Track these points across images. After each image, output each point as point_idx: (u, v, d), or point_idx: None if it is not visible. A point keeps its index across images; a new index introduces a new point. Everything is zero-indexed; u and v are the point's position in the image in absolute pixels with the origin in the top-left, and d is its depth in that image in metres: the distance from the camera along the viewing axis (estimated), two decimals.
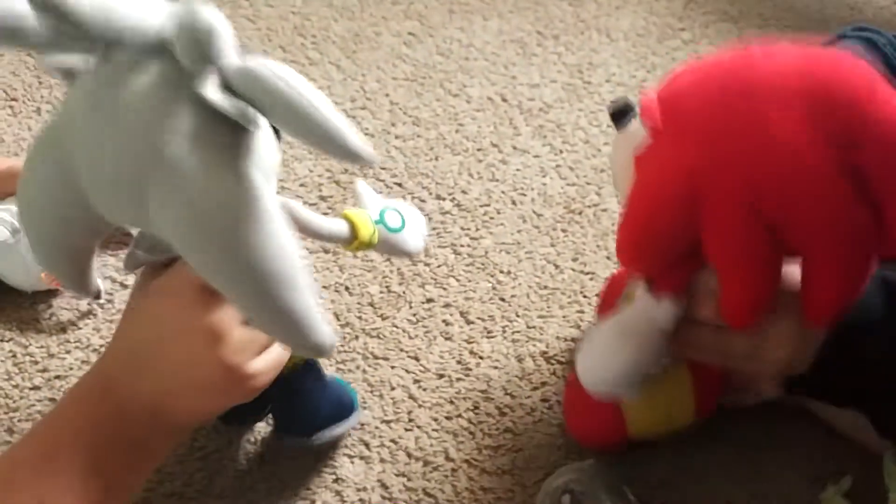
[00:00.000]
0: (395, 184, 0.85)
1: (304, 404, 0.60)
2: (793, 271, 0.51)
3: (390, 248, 0.56)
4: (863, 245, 0.48)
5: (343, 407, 0.62)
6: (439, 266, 0.77)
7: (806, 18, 1.11)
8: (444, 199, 0.83)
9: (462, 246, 0.79)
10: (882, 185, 0.46)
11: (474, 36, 1.03)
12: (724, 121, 0.48)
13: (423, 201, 0.83)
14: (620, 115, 0.55)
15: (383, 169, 0.86)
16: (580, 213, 0.83)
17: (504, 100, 0.95)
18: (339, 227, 0.53)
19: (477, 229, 0.81)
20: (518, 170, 0.87)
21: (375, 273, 0.76)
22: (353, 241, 0.53)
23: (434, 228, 0.80)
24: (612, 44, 1.04)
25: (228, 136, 0.43)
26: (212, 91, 0.42)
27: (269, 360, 0.51)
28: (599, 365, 0.55)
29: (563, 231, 0.81)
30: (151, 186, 0.43)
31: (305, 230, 0.50)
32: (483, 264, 0.77)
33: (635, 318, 0.55)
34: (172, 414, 0.49)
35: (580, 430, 0.64)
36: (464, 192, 0.84)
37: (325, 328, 0.46)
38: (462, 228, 0.81)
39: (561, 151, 0.89)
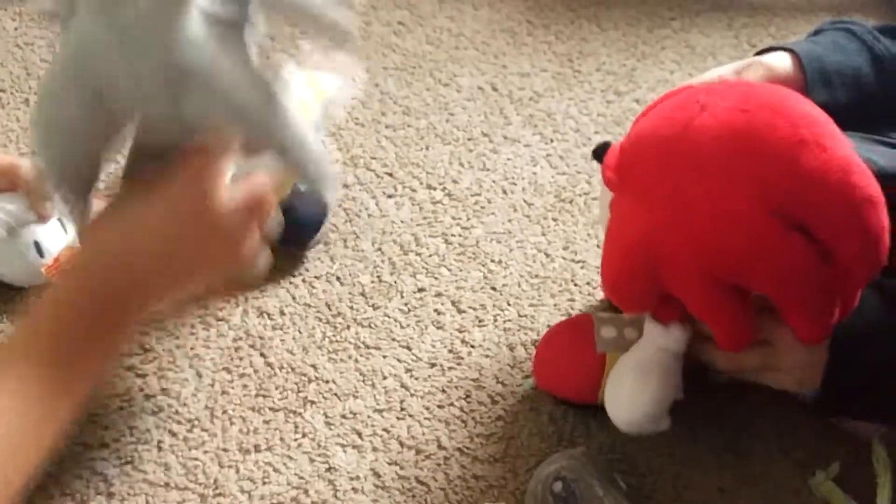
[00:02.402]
0: (386, 173, 0.84)
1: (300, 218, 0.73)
2: None
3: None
4: (822, 285, 0.49)
5: (324, 208, 0.75)
6: (430, 255, 0.77)
7: (794, 7, 1.11)
8: (434, 189, 0.83)
9: (453, 235, 0.79)
10: (823, 230, 0.47)
11: (464, 25, 1.03)
12: (669, 189, 0.50)
13: (413, 191, 0.83)
14: (602, 155, 0.57)
15: (373, 159, 0.86)
16: (571, 202, 0.83)
17: (494, 89, 0.95)
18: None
19: (468, 219, 0.81)
20: (509, 159, 0.87)
21: (367, 263, 0.76)
22: None
23: (425, 218, 0.80)
24: (603, 33, 1.04)
25: (233, 34, 0.50)
26: (208, 3, 0.49)
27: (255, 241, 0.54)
28: (628, 409, 0.57)
29: (554, 220, 0.81)
30: (184, 93, 0.50)
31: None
32: (474, 254, 0.78)
33: (649, 353, 0.57)
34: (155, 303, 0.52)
35: (554, 378, 0.64)
36: (454, 181, 0.84)
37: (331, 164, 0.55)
38: (453, 218, 0.81)
39: (551, 140, 0.89)
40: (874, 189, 0.48)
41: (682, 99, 0.52)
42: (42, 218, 0.68)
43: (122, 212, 0.53)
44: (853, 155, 0.49)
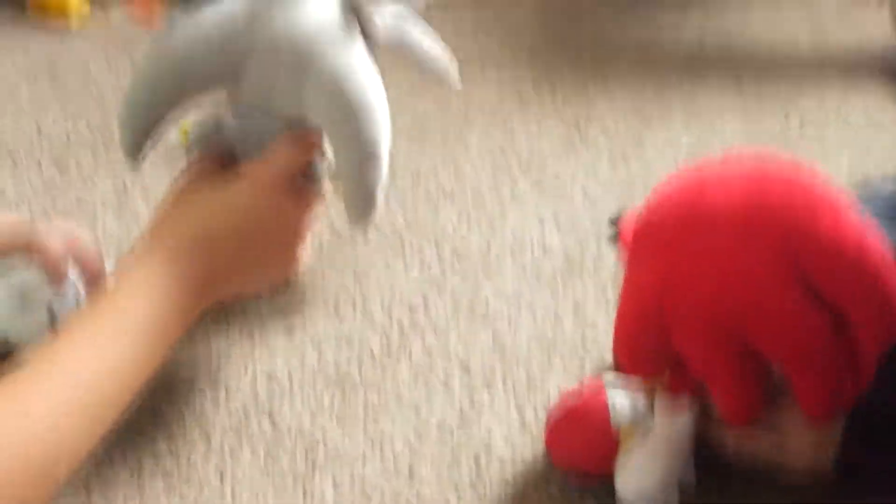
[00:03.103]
0: (395, 232, 0.85)
1: None
2: None
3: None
4: (832, 352, 0.49)
5: None
6: (439, 316, 0.77)
7: (803, 68, 1.12)
8: (443, 249, 0.83)
9: (462, 296, 0.79)
10: (838, 296, 0.48)
11: (474, 87, 1.04)
12: (683, 248, 0.51)
13: (422, 252, 0.83)
14: (616, 225, 0.58)
15: (382, 218, 0.86)
16: (580, 264, 0.83)
17: (503, 150, 0.96)
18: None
19: (477, 279, 0.80)
20: (517, 219, 0.87)
21: (375, 324, 0.76)
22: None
23: (434, 279, 0.80)
24: (610, 95, 1.05)
25: (363, 45, 0.63)
26: (380, 25, 0.63)
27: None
28: (634, 487, 0.57)
29: (563, 282, 0.81)
30: (310, 81, 0.60)
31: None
32: (483, 315, 0.77)
33: (661, 434, 0.57)
34: (224, 294, 0.60)
35: (568, 452, 0.63)
36: (463, 241, 0.84)
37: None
38: (462, 278, 0.80)
39: (560, 201, 0.89)
40: (889, 259, 0.48)
41: (699, 168, 0.53)
42: (57, 283, 0.68)
43: (206, 192, 0.60)
44: (868, 225, 0.49)
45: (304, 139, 0.63)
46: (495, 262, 0.82)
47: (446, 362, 0.73)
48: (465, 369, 0.72)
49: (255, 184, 0.60)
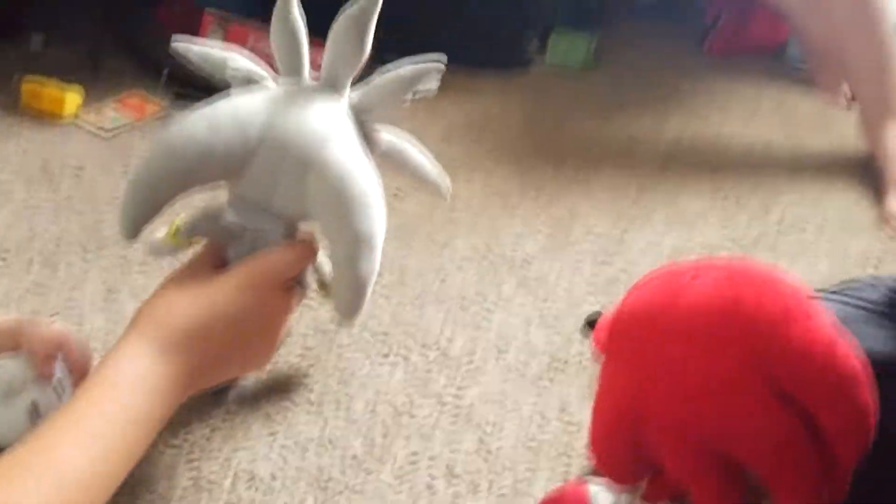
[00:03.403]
0: (381, 334, 0.85)
1: None
2: None
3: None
4: (809, 459, 0.49)
5: None
6: (424, 418, 0.76)
7: (780, 169, 1.15)
8: (429, 350, 0.83)
9: (447, 397, 0.79)
10: (809, 403, 0.48)
11: (459, 189, 1.07)
12: (655, 353, 0.51)
13: (408, 352, 0.83)
14: (591, 327, 0.59)
15: (369, 319, 0.86)
16: (565, 364, 0.83)
17: (488, 251, 0.97)
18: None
19: (462, 380, 0.80)
20: (503, 320, 0.88)
21: (359, 426, 0.75)
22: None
23: (419, 379, 0.80)
24: (593, 197, 1.07)
25: (365, 148, 0.67)
26: (385, 136, 0.68)
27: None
28: None
29: (549, 382, 0.81)
30: (314, 176, 0.64)
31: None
32: (468, 416, 0.77)
33: None
34: (206, 385, 0.63)
35: None
36: (449, 342, 0.85)
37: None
38: (447, 379, 0.80)
39: (545, 302, 0.90)
40: (859, 365, 0.49)
41: (672, 271, 0.54)
42: (43, 379, 0.68)
43: (197, 286, 0.62)
44: (839, 331, 0.49)
45: (305, 249, 0.66)
46: (481, 363, 0.82)
47: (431, 465, 0.72)
48: (451, 473, 0.72)
49: (249, 283, 0.62)
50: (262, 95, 0.66)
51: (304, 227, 0.69)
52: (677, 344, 0.50)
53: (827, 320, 0.50)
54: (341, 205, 0.63)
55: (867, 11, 1.12)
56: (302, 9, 0.67)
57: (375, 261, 0.65)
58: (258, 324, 0.63)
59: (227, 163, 0.64)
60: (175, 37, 0.68)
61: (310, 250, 0.67)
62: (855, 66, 1.17)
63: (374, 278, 0.65)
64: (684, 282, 0.52)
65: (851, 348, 0.49)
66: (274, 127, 0.64)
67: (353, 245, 0.63)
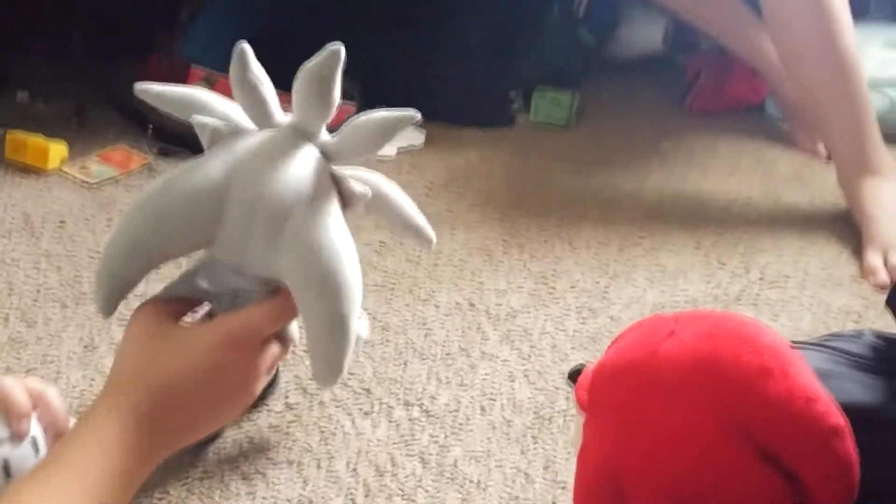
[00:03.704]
0: (363, 390, 0.84)
1: None
2: None
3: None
4: None
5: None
6: (407, 477, 0.75)
7: (759, 225, 1.16)
8: (412, 406, 0.82)
9: (430, 455, 0.77)
10: (789, 458, 0.48)
11: (442, 244, 1.07)
12: (635, 411, 0.51)
13: (391, 408, 0.82)
14: (577, 377, 0.59)
15: (351, 375, 0.85)
16: (550, 420, 0.82)
17: (472, 306, 0.97)
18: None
19: (446, 437, 0.79)
20: (487, 375, 0.87)
21: (340, 485, 0.74)
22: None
23: (402, 437, 0.79)
24: (575, 252, 1.07)
25: (339, 208, 0.63)
26: (360, 189, 0.64)
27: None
28: None
29: (534, 439, 0.80)
30: (284, 245, 0.61)
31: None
32: (452, 475, 0.76)
33: None
34: (182, 444, 0.61)
35: None
36: (432, 398, 0.84)
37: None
38: (431, 436, 0.79)
39: (529, 357, 0.90)
40: (839, 419, 0.48)
41: (653, 324, 0.54)
42: (16, 437, 0.66)
43: (172, 344, 0.60)
44: (818, 385, 0.49)
45: (286, 304, 0.63)
46: (464, 420, 0.81)
47: None
48: None
49: (225, 341, 0.60)
50: (224, 157, 0.62)
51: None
52: (656, 400, 0.50)
53: (806, 375, 0.50)
54: (311, 283, 0.60)
55: (842, 70, 1.15)
56: (261, 64, 0.65)
57: (348, 338, 0.62)
58: (236, 381, 0.61)
59: (192, 238, 0.63)
60: (138, 83, 0.65)
61: (290, 306, 0.64)
62: (830, 124, 1.20)
63: (348, 354, 0.62)
64: (662, 337, 0.52)
65: (831, 402, 0.49)
66: (241, 189, 0.61)
67: (324, 323, 0.61)
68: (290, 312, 0.63)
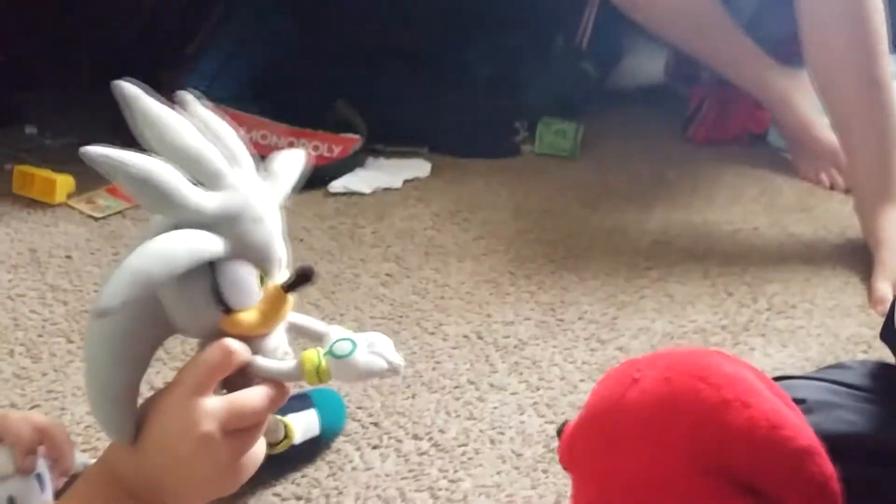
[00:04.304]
0: (372, 423, 0.83)
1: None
2: None
3: (347, 374, 0.55)
4: None
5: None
6: None
7: (766, 256, 1.16)
8: (421, 439, 0.82)
9: (440, 490, 0.76)
10: (764, 484, 0.48)
11: (449, 276, 1.07)
12: (605, 465, 0.52)
13: (399, 441, 0.81)
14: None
15: (359, 408, 0.85)
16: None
17: (480, 337, 0.96)
18: (287, 366, 0.55)
19: (455, 471, 0.78)
20: (495, 407, 0.86)
21: None
22: (303, 375, 0.54)
23: (411, 471, 0.78)
24: (583, 283, 1.07)
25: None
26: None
27: (251, 460, 0.54)
28: None
29: (544, 472, 0.79)
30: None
31: (261, 374, 0.54)
32: None
33: None
34: None
35: None
36: (441, 431, 0.83)
37: None
38: (440, 470, 0.78)
39: (538, 388, 0.89)
40: (808, 439, 0.48)
41: (620, 372, 0.55)
42: (23, 472, 0.66)
43: (157, 414, 0.53)
44: (781, 409, 0.49)
45: (222, 350, 0.52)
46: (473, 453, 0.81)
47: None
48: None
49: (178, 401, 0.52)
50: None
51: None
52: (625, 443, 0.50)
53: (768, 403, 0.49)
54: None
55: (874, 96, 1.15)
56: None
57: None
58: (195, 443, 0.52)
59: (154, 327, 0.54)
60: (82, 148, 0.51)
61: (227, 353, 0.52)
62: (856, 148, 1.19)
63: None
64: (627, 384, 0.52)
65: (797, 426, 0.48)
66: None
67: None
68: (227, 356, 0.53)
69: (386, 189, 1.24)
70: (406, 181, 1.26)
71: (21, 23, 1.34)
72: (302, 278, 0.54)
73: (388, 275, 1.06)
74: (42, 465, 0.68)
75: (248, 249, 0.52)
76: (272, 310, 0.54)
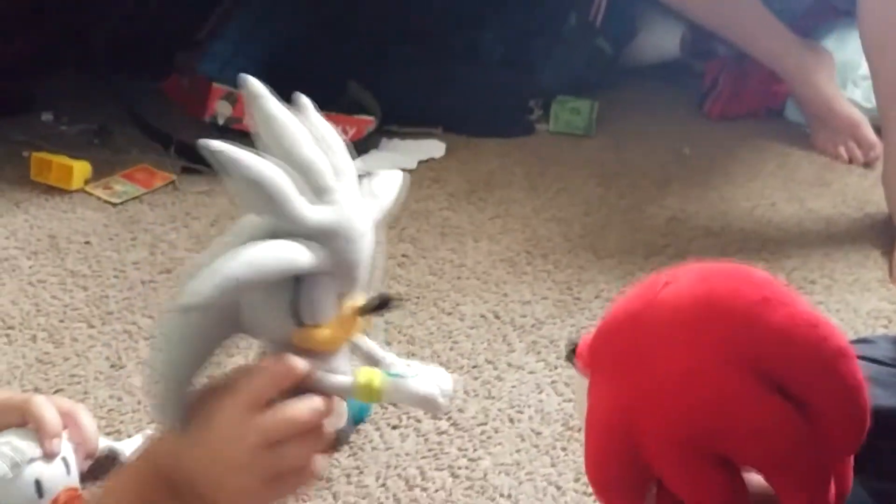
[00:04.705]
0: (391, 403, 0.84)
1: None
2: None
3: (399, 396, 0.55)
4: (805, 447, 0.48)
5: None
6: (437, 491, 0.75)
7: (784, 231, 1.15)
8: (440, 419, 0.82)
9: (460, 468, 0.77)
10: (798, 385, 0.47)
11: (466, 256, 1.07)
12: (639, 364, 0.51)
13: (418, 421, 0.82)
14: (574, 353, 0.58)
15: None
16: (579, 430, 0.81)
17: (497, 317, 0.96)
18: (342, 381, 0.54)
19: (475, 450, 0.79)
20: (514, 387, 0.86)
21: (371, 500, 0.73)
22: (355, 391, 0.54)
23: (431, 450, 0.79)
24: (600, 261, 1.07)
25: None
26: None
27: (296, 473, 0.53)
28: None
29: (563, 450, 0.79)
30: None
31: (316, 386, 0.53)
32: (482, 488, 0.75)
33: None
34: None
35: None
36: (460, 410, 0.83)
37: None
38: (459, 449, 0.79)
39: (556, 367, 0.89)
40: (844, 342, 0.48)
41: (647, 281, 0.54)
42: (48, 456, 0.67)
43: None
44: (818, 312, 0.49)
45: (286, 367, 0.52)
46: (492, 431, 0.81)
47: None
48: None
49: (231, 409, 0.52)
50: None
51: None
52: (658, 344, 0.49)
53: (804, 304, 0.49)
54: None
55: None
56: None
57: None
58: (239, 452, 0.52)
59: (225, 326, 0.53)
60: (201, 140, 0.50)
61: (284, 368, 0.52)
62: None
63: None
64: (657, 287, 0.51)
65: (833, 327, 0.48)
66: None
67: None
68: (285, 372, 0.53)
69: (401, 170, 1.24)
70: (420, 162, 1.26)
71: (36, 9, 1.35)
72: (380, 305, 0.53)
73: (404, 256, 1.06)
74: (67, 449, 0.69)
75: (337, 267, 0.51)
76: (343, 330, 0.54)
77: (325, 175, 0.51)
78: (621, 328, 0.52)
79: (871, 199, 1.20)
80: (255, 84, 0.51)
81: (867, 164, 1.30)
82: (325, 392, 0.53)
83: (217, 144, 0.48)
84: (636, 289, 0.54)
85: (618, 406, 0.50)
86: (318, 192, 0.50)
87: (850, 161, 1.32)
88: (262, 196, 0.48)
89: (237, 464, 0.52)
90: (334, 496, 0.74)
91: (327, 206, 0.51)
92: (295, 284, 0.51)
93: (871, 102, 1.38)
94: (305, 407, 0.52)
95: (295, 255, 0.49)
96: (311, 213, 0.50)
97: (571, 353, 0.57)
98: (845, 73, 1.41)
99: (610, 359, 0.52)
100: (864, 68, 1.40)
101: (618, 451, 0.51)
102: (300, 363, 0.52)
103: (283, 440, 0.51)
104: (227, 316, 0.52)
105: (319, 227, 0.50)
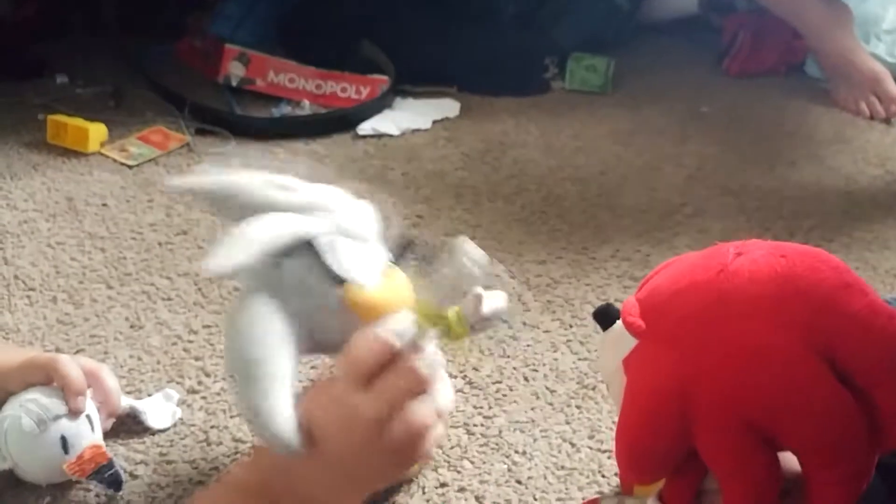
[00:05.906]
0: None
1: None
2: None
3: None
4: (857, 439, 0.47)
5: None
6: (452, 448, 0.75)
7: (803, 189, 1.14)
8: (455, 377, 0.83)
9: (475, 426, 0.78)
10: (867, 378, 0.46)
11: (481, 216, 1.06)
12: (707, 332, 0.49)
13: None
14: (605, 317, 0.57)
15: None
16: (594, 389, 0.82)
17: (512, 276, 0.96)
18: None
19: (490, 407, 0.80)
20: (528, 345, 0.87)
21: None
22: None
23: None
24: (616, 220, 1.06)
25: None
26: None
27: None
28: None
29: (578, 407, 0.80)
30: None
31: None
32: (497, 444, 0.76)
33: None
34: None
35: None
36: (475, 369, 0.84)
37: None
38: (475, 407, 0.80)
39: (570, 326, 0.89)
40: None
41: (712, 249, 0.52)
42: (73, 413, 0.69)
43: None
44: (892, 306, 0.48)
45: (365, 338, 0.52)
46: (507, 389, 0.81)
47: (461, 496, 0.71)
48: (480, 503, 0.71)
49: (322, 402, 0.53)
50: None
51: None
52: (730, 315, 0.48)
53: (879, 296, 0.48)
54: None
55: None
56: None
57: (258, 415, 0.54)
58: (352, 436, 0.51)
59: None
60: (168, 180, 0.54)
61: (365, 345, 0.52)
62: None
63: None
64: (727, 257, 0.50)
65: None
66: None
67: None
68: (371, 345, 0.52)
69: (415, 130, 1.23)
70: (435, 121, 1.25)
71: None
72: (404, 247, 0.56)
73: (419, 216, 1.06)
74: (91, 407, 0.70)
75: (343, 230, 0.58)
76: (390, 285, 0.57)
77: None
78: (685, 296, 0.50)
79: (893, 155, 1.18)
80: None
81: (888, 120, 1.28)
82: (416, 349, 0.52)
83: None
84: (695, 258, 0.53)
85: (675, 374, 0.49)
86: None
87: (871, 117, 1.30)
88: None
89: (359, 445, 0.50)
90: None
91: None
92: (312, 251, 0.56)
93: (894, 57, 1.36)
94: (408, 366, 0.51)
95: (299, 219, 0.56)
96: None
97: (604, 316, 0.57)
98: (867, 27, 1.38)
99: (670, 325, 0.50)
100: (888, 22, 1.38)
101: (664, 419, 0.50)
102: (384, 329, 0.51)
103: (397, 407, 0.50)
104: (275, 293, 0.55)
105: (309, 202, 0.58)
